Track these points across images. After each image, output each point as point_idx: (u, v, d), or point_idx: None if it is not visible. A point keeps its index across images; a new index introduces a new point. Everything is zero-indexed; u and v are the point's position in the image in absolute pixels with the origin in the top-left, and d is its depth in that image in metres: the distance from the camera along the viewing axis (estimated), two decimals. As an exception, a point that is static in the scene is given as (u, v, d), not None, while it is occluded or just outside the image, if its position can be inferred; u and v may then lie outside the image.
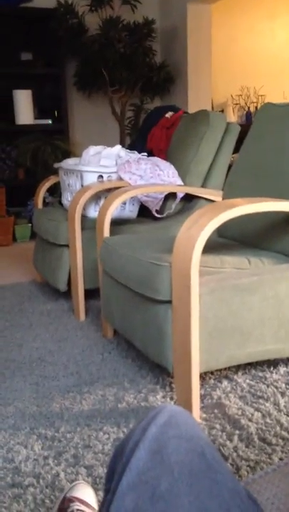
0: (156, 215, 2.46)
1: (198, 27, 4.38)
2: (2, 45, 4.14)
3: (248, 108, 5.16)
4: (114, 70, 4.09)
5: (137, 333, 1.69)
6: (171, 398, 1.60)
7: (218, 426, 1.43)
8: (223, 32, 5.03)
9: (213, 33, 4.76)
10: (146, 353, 1.64)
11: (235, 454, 1.30)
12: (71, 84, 4.40)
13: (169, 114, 2.94)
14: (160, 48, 4.71)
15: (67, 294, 2.62)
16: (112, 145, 2.57)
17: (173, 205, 2.47)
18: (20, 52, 4.25)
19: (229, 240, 1.98)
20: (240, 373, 1.74)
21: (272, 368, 1.76)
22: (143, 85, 4.36)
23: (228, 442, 1.35)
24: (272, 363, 1.80)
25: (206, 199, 2.49)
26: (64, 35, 4.02)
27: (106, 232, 2.02)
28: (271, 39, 5.27)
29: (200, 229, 1.36)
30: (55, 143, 4.07)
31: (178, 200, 2.46)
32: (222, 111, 5.01)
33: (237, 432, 1.40)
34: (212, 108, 4.88)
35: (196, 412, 1.46)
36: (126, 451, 0.60)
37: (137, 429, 0.63)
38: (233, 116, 5.07)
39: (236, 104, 5.18)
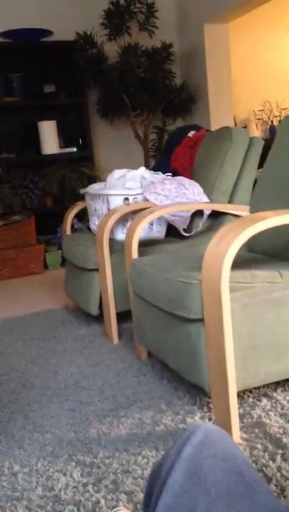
0: (184, 233, 2.45)
1: (216, 46, 4.42)
2: (26, 79, 4.26)
3: (272, 122, 5.14)
4: (135, 94, 4.15)
5: (170, 354, 1.67)
6: (210, 419, 1.57)
7: (259, 446, 1.38)
8: (241, 48, 5.06)
9: (232, 50, 4.80)
10: (182, 374, 1.62)
11: (279, 475, 1.25)
12: (94, 111, 4.49)
13: (191, 133, 2.95)
14: (180, 69, 4.76)
15: (100, 318, 2.62)
16: (137, 168, 2.59)
17: (200, 223, 2.46)
18: (44, 85, 4.37)
19: (259, 254, 1.95)
20: (279, 390, 1.69)
21: (312, 384, 1.71)
22: (164, 107, 4.41)
23: (270, 462, 1.30)
24: (313, 378, 1.74)
25: (233, 215, 2.47)
26: (85, 65, 4.12)
27: (134, 254, 2.02)
28: (290, 53, 5.27)
29: (228, 244, 1.34)
30: (81, 169, 4.14)
31: (205, 217, 2.45)
32: (245, 127, 5.00)
33: (280, 451, 1.35)
34: (235, 125, 4.88)
35: (236, 432, 1.42)
36: (162, 474, 0.59)
37: (172, 450, 0.61)
38: (256, 132, 5.06)
39: (259, 119, 5.17)
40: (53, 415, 1.69)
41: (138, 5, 4.05)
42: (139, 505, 1.20)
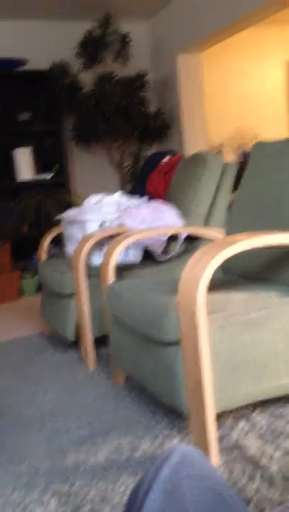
0: (160, 257, 2.47)
1: (189, 75, 4.54)
2: (1, 107, 4.29)
3: (245, 147, 5.26)
4: (110, 121, 4.21)
5: (148, 378, 1.66)
6: (189, 442, 1.55)
7: (238, 468, 1.37)
8: (214, 77, 5.20)
9: (205, 79, 4.93)
10: (160, 397, 1.61)
11: (258, 495, 1.24)
12: (69, 138, 4.53)
13: (166, 159, 3.00)
14: (154, 96, 4.86)
15: (76, 344, 2.59)
16: (113, 193, 2.61)
17: (176, 247, 2.48)
18: (19, 112, 4.40)
19: (234, 276, 1.97)
20: (257, 411, 1.69)
21: (290, 405, 1.71)
22: (140, 133, 4.47)
23: (249, 484, 1.29)
24: (290, 400, 1.75)
25: (209, 239, 2.50)
26: (60, 93, 4.17)
27: (111, 278, 2.02)
28: (262, 81, 5.44)
29: (203, 267, 1.36)
30: (57, 195, 4.15)
31: (181, 241, 2.47)
32: (219, 152, 5.10)
33: (258, 472, 1.34)
34: (209, 150, 4.98)
35: (215, 455, 1.41)
36: (139, 495, 0.58)
37: (149, 471, 0.61)
38: (230, 157, 5.17)
39: (233, 144, 5.29)
40: (28, 444, 1.65)
41: (113, 36, 4.14)
42: (117, 534, 1.17)
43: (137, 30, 4.76)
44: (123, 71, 4.37)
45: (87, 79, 4.31)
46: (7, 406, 1.96)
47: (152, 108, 4.75)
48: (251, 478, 1.32)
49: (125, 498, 1.31)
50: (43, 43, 4.49)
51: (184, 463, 0.59)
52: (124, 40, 4.18)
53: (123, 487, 1.35)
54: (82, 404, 1.90)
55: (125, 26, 4.58)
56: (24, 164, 4.20)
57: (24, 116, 4.38)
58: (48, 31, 4.51)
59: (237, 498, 0.57)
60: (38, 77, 4.30)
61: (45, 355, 2.53)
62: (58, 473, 1.46)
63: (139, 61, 4.73)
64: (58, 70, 4.15)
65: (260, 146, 2.03)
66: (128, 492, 1.33)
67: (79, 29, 4.44)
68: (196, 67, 4.56)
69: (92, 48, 4.11)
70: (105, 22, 4.07)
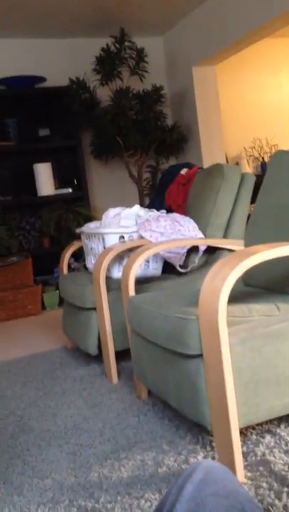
0: (181, 270, 2.46)
1: (205, 87, 4.55)
2: (21, 124, 4.36)
3: (262, 158, 5.24)
4: (128, 136, 4.25)
5: (171, 392, 1.64)
6: (213, 458, 1.53)
7: (264, 484, 1.35)
8: (230, 88, 5.21)
9: (221, 90, 4.94)
10: (183, 412, 1.59)
11: (286, 514, 1.22)
12: (88, 153, 4.57)
13: (184, 171, 3.01)
14: (171, 110, 4.89)
15: (99, 358, 2.59)
16: (131, 207, 2.62)
17: (196, 259, 2.47)
18: (39, 129, 4.47)
19: (255, 287, 1.96)
20: (282, 426, 1.66)
21: (316, 418, 1.68)
22: (157, 147, 4.50)
23: (277, 501, 1.27)
24: (316, 412, 1.72)
25: (229, 250, 2.49)
26: (78, 109, 4.23)
27: (131, 291, 2.02)
28: (277, 91, 5.43)
29: (223, 279, 1.35)
30: (77, 210, 4.18)
31: (200, 253, 2.46)
32: (237, 164, 5.10)
33: (286, 489, 1.32)
34: (226, 162, 4.98)
35: (240, 470, 1.38)
36: (163, 514, 0.57)
37: (173, 488, 0.60)
38: (248, 168, 5.15)
39: (250, 155, 5.27)
40: (52, 459, 1.65)
41: (128, 51, 4.19)
42: None
43: (152, 45, 4.81)
44: (139, 86, 4.41)
45: (104, 95, 4.37)
46: (31, 420, 1.97)
47: (169, 121, 4.78)
48: (278, 495, 1.30)
49: (150, 514, 1.30)
50: (61, 60, 4.57)
51: (207, 480, 0.59)
52: (140, 55, 4.22)
53: (148, 503, 1.34)
54: (105, 419, 1.90)
55: (140, 41, 4.63)
56: (45, 179, 4.25)
57: (43, 132, 4.45)
58: (66, 49, 4.59)
59: (263, 516, 0.56)
60: (56, 94, 4.37)
61: (68, 369, 2.53)
62: (82, 489, 1.45)
63: (155, 75, 4.77)
64: (76, 86, 4.21)
65: (280, 154, 2.01)
66: (153, 508, 1.32)
67: (95, 46, 4.50)
68: (211, 79, 4.58)
69: (108, 63, 4.17)
70: (121, 38, 4.13)
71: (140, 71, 4.26)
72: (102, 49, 4.18)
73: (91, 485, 1.47)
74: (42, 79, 4.29)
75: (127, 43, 4.15)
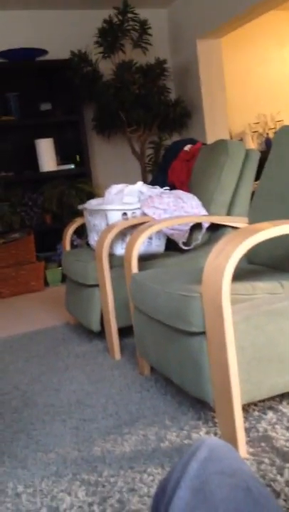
0: (184, 247, 2.45)
1: (209, 61, 4.47)
2: (22, 98, 4.30)
3: (267, 134, 5.17)
4: (130, 110, 4.19)
5: (173, 368, 1.65)
6: (215, 433, 1.55)
7: (266, 460, 1.36)
8: (235, 63, 5.11)
9: (226, 65, 4.84)
10: (185, 388, 1.60)
11: (287, 489, 1.23)
12: (90, 128, 4.52)
13: (187, 147, 2.97)
14: (174, 85, 4.80)
15: (101, 334, 2.60)
16: (134, 183, 2.60)
17: (199, 236, 2.46)
18: (40, 103, 4.40)
19: (259, 265, 1.95)
20: (284, 403, 1.67)
21: (317, 395, 1.69)
22: (160, 122, 4.44)
23: (278, 477, 1.28)
24: None
25: (232, 227, 2.47)
26: (80, 83, 4.16)
27: (134, 268, 2.02)
28: (283, 66, 5.33)
29: (227, 257, 1.34)
30: (79, 186, 4.15)
31: (204, 230, 2.45)
32: (241, 140, 5.03)
33: (287, 465, 1.33)
34: (230, 138, 4.91)
35: (242, 446, 1.40)
36: (168, 491, 0.57)
37: (177, 466, 0.60)
38: (252, 144, 5.09)
39: (255, 131, 5.20)
40: (56, 434, 1.67)
41: (131, 23, 4.10)
42: (145, 524, 1.18)
43: (155, 17, 4.70)
44: (142, 59, 4.33)
45: (106, 68, 4.29)
46: (34, 395, 1.99)
47: (172, 96, 4.70)
48: (280, 470, 1.31)
49: (152, 489, 1.32)
50: (62, 33, 4.47)
51: (212, 458, 0.59)
52: (143, 27, 4.13)
53: (151, 477, 1.36)
54: (108, 395, 1.91)
55: (144, 13, 4.53)
56: (47, 155, 4.21)
57: (45, 106, 4.39)
58: (67, 20, 4.49)
59: (267, 494, 0.56)
60: (58, 67, 4.29)
61: (71, 345, 2.55)
62: (85, 463, 1.47)
63: (158, 48, 4.68)
64: (78, 60, 4.14)
65: (286, 130, 1.98)
66: (156, 483, 1.34)
67: (98, 17, 4.41)
68: (216, 53, 4.49)
69: (111, 35, 4.08)
70: (124, 9, 4.03)
71: (143, 44, 4.18)
72: (105, 21, 4.09)
73: (94, 459, 1.49)
74: (43, 51, 4.21)
75: (130, 15, 4.06)
